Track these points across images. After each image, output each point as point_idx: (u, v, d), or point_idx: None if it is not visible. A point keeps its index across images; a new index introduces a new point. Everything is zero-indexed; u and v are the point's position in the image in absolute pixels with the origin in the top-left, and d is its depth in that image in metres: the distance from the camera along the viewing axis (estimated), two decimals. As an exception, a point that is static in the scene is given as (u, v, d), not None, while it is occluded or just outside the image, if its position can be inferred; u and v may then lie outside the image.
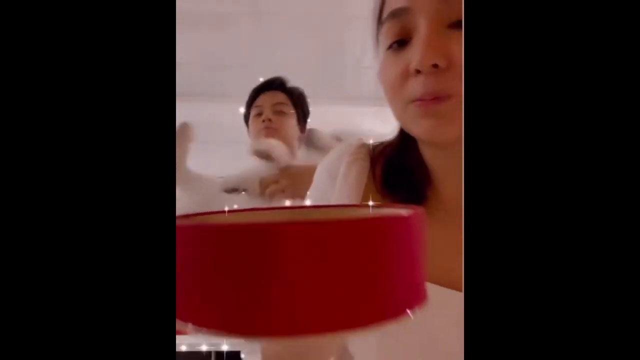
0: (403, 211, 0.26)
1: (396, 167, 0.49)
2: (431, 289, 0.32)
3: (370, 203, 0.37)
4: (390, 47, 0.44)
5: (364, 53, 2.51)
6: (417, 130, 0.43)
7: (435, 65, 0.39)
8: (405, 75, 0.42)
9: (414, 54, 0.40)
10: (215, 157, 3.63)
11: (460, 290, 0.40)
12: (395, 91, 0.43)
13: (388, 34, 0.44)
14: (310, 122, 3.81)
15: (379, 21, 0.47)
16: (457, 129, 0.41)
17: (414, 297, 0.25)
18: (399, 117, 0.45)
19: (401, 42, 0.43)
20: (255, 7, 2.07)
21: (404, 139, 0.49)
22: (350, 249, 0.20)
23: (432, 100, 0.40)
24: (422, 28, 0.40)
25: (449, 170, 0.47)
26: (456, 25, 0.40)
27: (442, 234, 0.45)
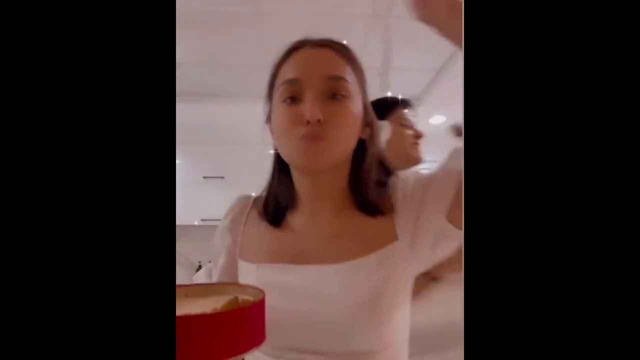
0: (257, 301, 0.50)
1: (271, 198, 0.72)
2: (284, 267, 0.66)
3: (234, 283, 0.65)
4: (284, 100, 0.64)
5: (364, 53, 2.51)
6: (301, 159, 0.63)
7: (319, 120, 0.60)
8: (296, 122, 0.62)
9: (306, 111, 0.61)
10: (215, 157, 3.63)
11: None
12: (287, 131, 0.62)
13: (284, 92, 0.64)
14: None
15: (272, 86, 0.68)
16: (325, 160, 0.62)
17: (259, 340, 0.49)
18: (288, 151, 0.64)
19: (293, 99, 0.63)
20: (255, 7, 2.07)
21: (279, 177, 0.71)
22: (214, 326, 0.44)
23: (315, 138, 0.60)
24: (309, 95, 0.62)
25: (313, 194, 0.68)
26: (331, 97, 0.62)
27: (298, 235, 0.69)
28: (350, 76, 0.65)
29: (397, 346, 0.63)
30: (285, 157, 0.66)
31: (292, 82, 0.64)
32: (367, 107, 0.70)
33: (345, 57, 0.67)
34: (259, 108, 0.74)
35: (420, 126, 1.31)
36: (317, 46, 0.66)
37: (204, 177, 3.48)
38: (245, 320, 0.47)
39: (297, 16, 2.17)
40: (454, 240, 0.62)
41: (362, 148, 0.68)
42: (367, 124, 0.70)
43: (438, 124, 3.43)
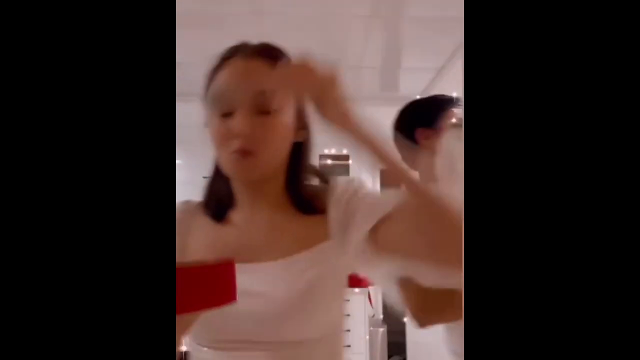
0: (226, 261, 0.53)
1: (212, 196, 0.76)
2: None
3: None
4: (217, 114, 0.68)
5: (364, 53, 2.51)
6: (233, 171, 0.68)
7: (248, 134, 0.64)
8: (228, 136, 0.66)
9: (237, 125, 0.64)
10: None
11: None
12: (220, 145, 0.67)
13: (216, 106, 0.68)
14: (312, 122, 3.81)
15: (207, 92, 0.71)
16: (256, 173, 0.67)
17: (229, 298, 0.51)
18: (222, 163, 0.69)
19: (225, 112, 0.66)
20: (255, 7, 2.07)
21: (219, 178, 0.75)
22: (205, 275, 0.49)
23: (245, 153, 0.64)
24: (240, 110, 0.65)
25: (248, 198, 0.72)
26: (261, 113, 0.65)
27: (240, 235, 0.73)
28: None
29: (332, 335, 0.68)
30: (221, 165, 0.70)
31: (223, 97, 0.67)
32: (302, 111, 0.72)
33: (277, 68, 0.69)
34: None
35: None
36: (248, 56, 0.68)
37: (204, 177, 3.47)
38: (214, 277, 0.50)
39: (297, 16, 2.17)
40: (367, 259, 0.64)
41: (298, 150, 0.72)
42: (302, 127, 0.72)
43: (438, 124, 3.42)
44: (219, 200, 0.74)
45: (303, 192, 0.71)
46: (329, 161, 3.79)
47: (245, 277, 0.64)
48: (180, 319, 0.47)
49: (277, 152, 0.68)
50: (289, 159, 0.72)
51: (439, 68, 2.75)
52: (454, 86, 2.81)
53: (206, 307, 0.49)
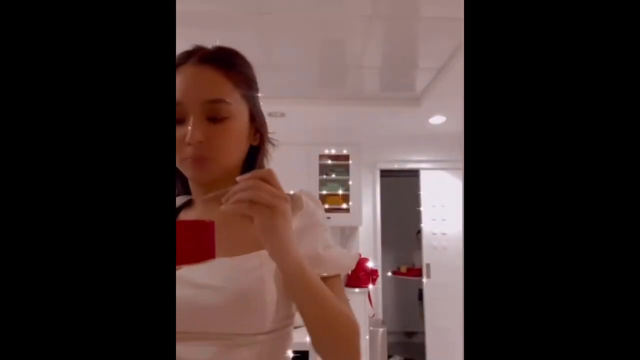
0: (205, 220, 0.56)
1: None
2: None
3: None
4: None
5: (363, 53, 2.51)
6: (189, 174, 0.71)
7: (200, 142, 0.66)
8: (182, 143, 0.67)
9: (188, 133, 0.66)
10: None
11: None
12: (177, 151, 0.69)
13: None
14: (311, 122, 3.78)
15: None
16: (211, 176, 0.69)
17: (207, 255, 0.53)
18: (179, 165, 0.71)
19: (179, 120, 0.68)
20: (255, 7, 2.07)
21: (176, 176, 0.79)
22: (184, 231, 0.51)
23: (198, 160, 0.67)
24: (192, 119, 0.66)
25: (203, 196, 0.76)
26: (211, 119, 0.67)
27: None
28: (232, 95, 0.69)
29: (281, 330, 0.69)
30: (181, 170, 0.72)
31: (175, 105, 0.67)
32: (256, 115, 0.74)
33: (228, 75, 0.69)
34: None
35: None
36: (199, 63, 0.69)
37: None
38: (193, 233, 0.53)
39: (297, 16, 2.17)
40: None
41: (253, 153, 0.75)
42: (257, 130, 0.75)
43: (438, 124, 3.42)
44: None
45: None
46: (329, 161, 3.78)
47: (199, 271, 0.65)
48: None
49: (232, 156, 0.70)
50: (244, 161, 0.74)
51: (438, 68, 2.75)
52: (453, 86, 2.82)
53: (186, 262, 0.50)
